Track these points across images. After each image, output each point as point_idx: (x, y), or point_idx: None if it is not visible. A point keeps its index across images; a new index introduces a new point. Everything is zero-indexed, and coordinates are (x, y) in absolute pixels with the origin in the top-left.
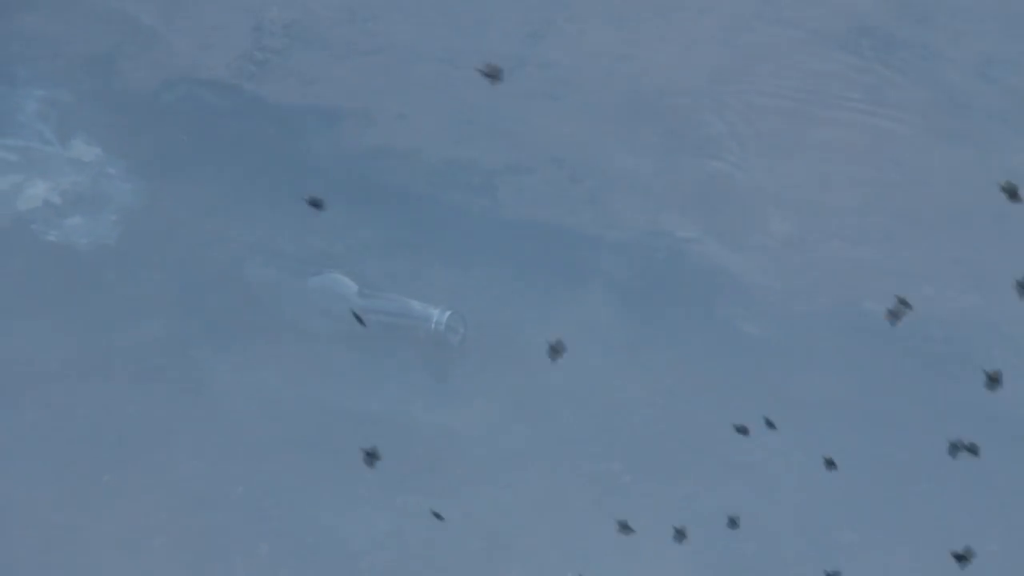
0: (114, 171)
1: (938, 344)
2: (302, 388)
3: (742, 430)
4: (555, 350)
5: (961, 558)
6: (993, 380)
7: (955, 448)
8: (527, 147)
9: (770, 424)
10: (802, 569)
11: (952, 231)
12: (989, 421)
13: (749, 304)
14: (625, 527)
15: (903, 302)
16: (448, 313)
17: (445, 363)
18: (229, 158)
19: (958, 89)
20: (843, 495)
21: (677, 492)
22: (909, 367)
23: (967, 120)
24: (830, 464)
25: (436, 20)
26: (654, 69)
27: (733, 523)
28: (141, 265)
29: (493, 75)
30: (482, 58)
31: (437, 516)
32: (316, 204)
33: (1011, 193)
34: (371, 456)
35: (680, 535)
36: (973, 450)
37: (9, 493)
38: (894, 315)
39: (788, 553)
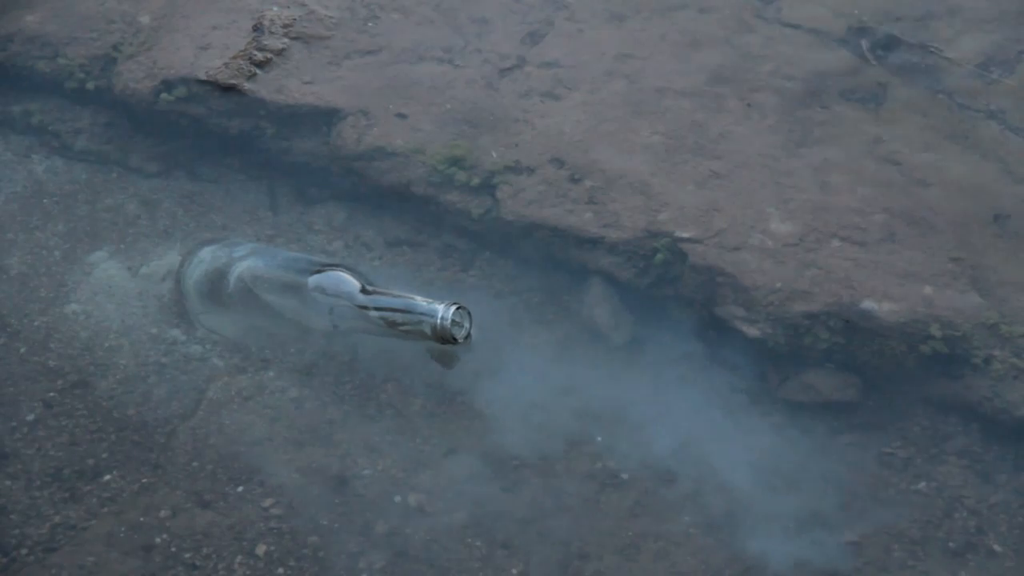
0: None
1: (938, 344)
2: None
3: None
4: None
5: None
6: None
7: None
8: (527, 147)
9: None
10: (802, 569)
11: (952, 231)
12: (989, 421)
13: (749, 304)
14: None
15: None
16: (453, 308)
17: (450, 356)
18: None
19: (958, 89)
20: (843, 494)
21: (677, 491)
22: (909, 367)
23: (967, 120)
24: None
25: (436, 20)
26: (654, 69)
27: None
28: None
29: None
30: (482, 58)
31: None
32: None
33: None
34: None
35: None
36: None
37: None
38: None
39: (788, 553)
